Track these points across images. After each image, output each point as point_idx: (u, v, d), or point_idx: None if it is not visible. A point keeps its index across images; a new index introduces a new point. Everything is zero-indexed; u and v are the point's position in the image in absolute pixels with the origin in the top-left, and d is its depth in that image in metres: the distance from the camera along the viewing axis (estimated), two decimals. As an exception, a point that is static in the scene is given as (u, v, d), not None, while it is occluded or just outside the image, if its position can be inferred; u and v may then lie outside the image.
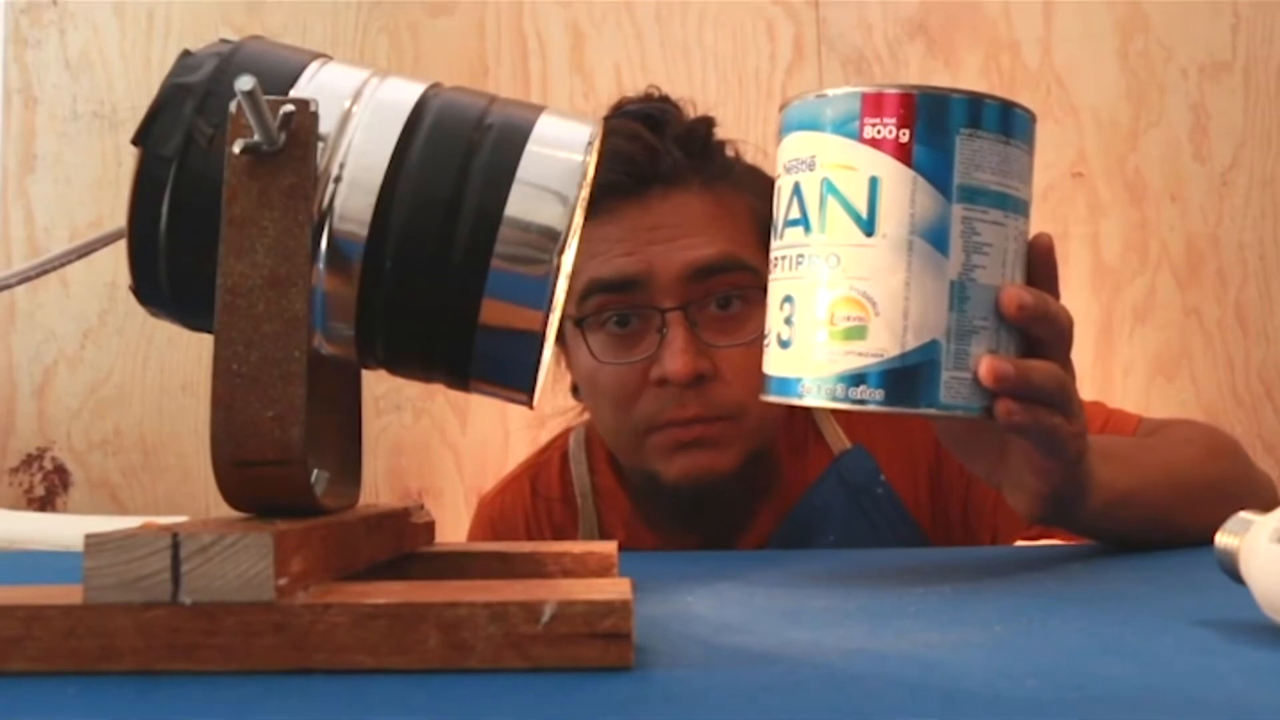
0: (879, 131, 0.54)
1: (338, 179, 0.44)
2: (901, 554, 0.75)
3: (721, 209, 0.85)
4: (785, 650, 0.41)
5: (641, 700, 0.34)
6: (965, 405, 0.54)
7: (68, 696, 0.34)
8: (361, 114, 0.46)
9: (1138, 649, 0.41)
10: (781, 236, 0.57)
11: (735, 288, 0.83)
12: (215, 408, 0.42)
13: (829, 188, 0.54)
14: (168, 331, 1.55)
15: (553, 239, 0.44)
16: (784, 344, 0.56)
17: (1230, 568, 0.43)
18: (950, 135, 0.53)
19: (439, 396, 1.59)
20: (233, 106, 0.43)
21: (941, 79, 1.54)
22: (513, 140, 0.46)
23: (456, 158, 0.45)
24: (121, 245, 0.46)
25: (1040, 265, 0.57)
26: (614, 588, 0.39)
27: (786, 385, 0.55)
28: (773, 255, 0.58)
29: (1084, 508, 0.63)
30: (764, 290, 0.84)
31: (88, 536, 0.37)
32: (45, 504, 1.60)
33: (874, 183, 0.53)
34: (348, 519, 0.46)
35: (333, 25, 1.64)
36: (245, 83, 0.42)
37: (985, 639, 0.42)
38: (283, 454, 0.42)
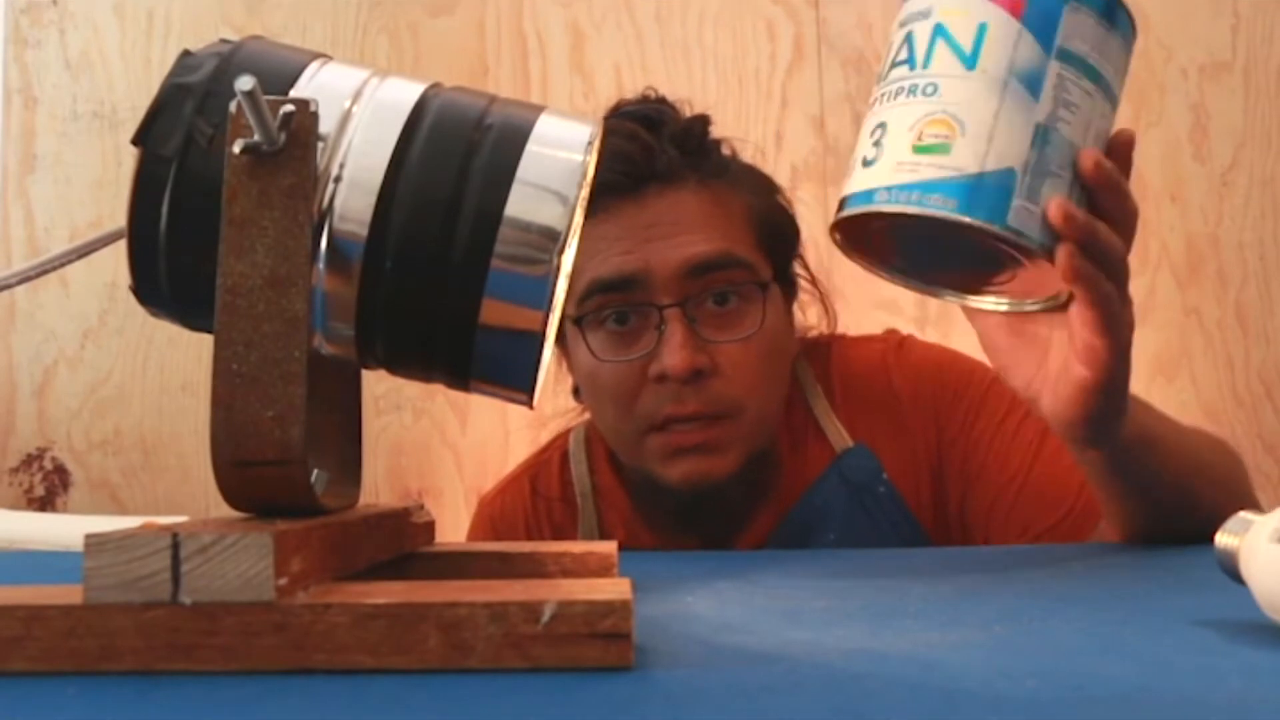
0: None
1: (338, 179, 0.44)
2: (901, 554, 0.75)
3: (718, 206, 0.86)
4: (785, 650, 0.41)
5: (641, 700, 0.34)
6: (1029, 235, 0.56)
7: (68, 696, 0.34)
8: (361, 114, 0.46)
9: (1138, 649, 0.41)
10: (885, 78, 0.59)
11: (732, 284, 0.84)
12: (215, 408, 0.42)
13: (939, 30, 0.57)
14: (168, 331, 1.54)
15: (553, 239, 0.44)
16: (868, 163, 0.58)
17: (1230, 568, 0.43)
18: (1060, 3, 0.57)
19: (439, 396, 1.59)
20: (233, 106, 0.43)
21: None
22: (513, 140, 0.46)
23: (456, 158, 0.45)
24: (121, 245, 0.46)
25: (1117, 157, 0.59)
26: (614, 588, 0.39)
27: (863, 197, 0.57)
28: (874, 96, 0.60)
29: (1120, 427, 0.63)
30: (760, 287, 0.86)
31: (88, 536, 0.37)
32: (45, 504, 1.60)
33: (982, 27, 0.57)
34: (348, 519, 0.46)
35: (333, 25, 1.64)
36: (245, 83, 0.42)
37: (985, 639, 0.42)
38: (283, 454, 0.42)
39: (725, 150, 0.91)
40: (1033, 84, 0.56)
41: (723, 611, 0.49)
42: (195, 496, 1.58)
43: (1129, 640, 0.42)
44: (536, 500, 0.98)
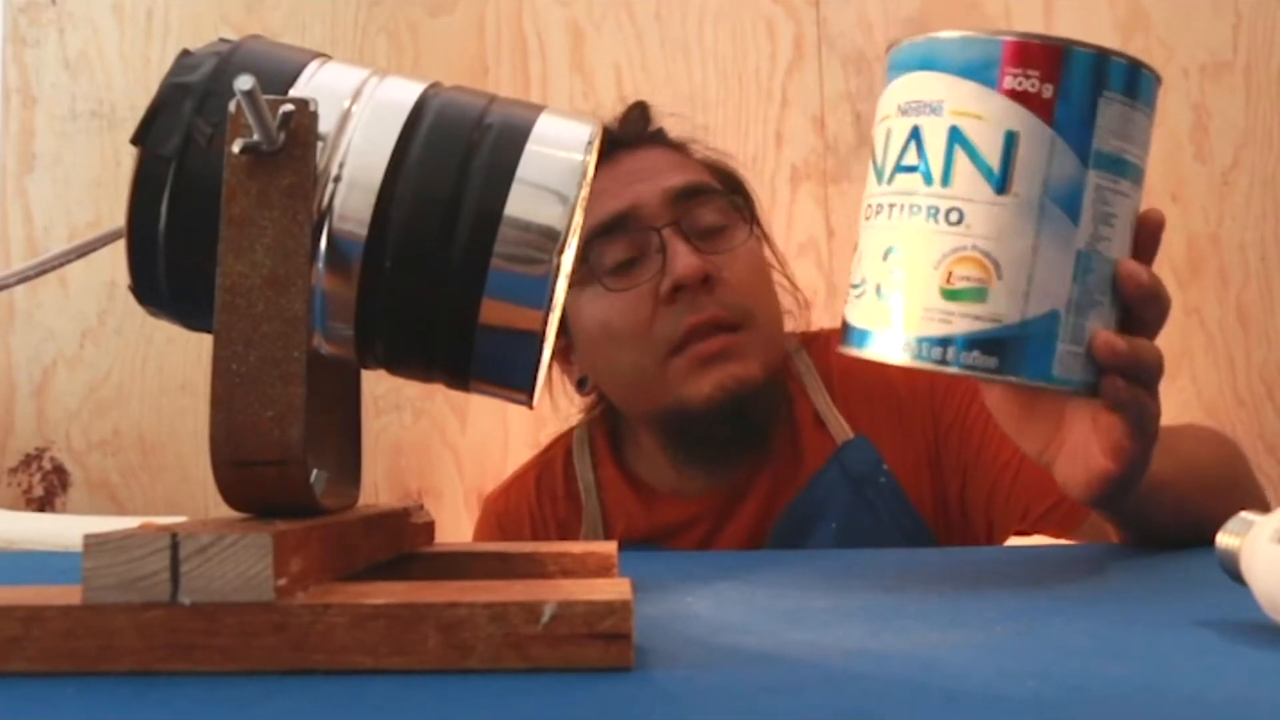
0: (1020, 83, 0.50)
1: (337, 178, 0.44)
2: (901, 554, 0.75)
3: (682, 159, 0.95)
4: (785, 650, 0.40)
5: (641, 700, 0.34)
6: (1072, 380, 0.52)
7: (66, 697, 0.34)
8: (361, 113, 0.46)
9: (1138, 649, 0.41)
10: (890, 182, 0.53)
11: (715, 210, 0.90)
12: (214, 408, 0.42)
13: (957, 136, 0.51)
14: (167, 331, 1.54)
15: (552, 238, 0.44)
16: (882, 293, 0.52)
17: (1231, 568, 0.43)
18: (1094, 96, 0.51)
19: (439, 396, 1.59)
20: (232, 106, 0.43)
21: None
22: (512, 140, 0.46)
23: (456, 157, 0.45)
24: (120, 245, 0.46)
25: (1146, 241, 0.56)
26: (614, 588, 0.39)
27: (884, 340, 0.52)
28: (874, 200, 0.54)
29: (1133, 493, 0.63)
30: (740, 209, 0.91)
31: (87, 537, 0.37)
32: (44, 504, 1.60)
33: (1010, 137, 0.50)
34: (347, 519, 0.46)
35: (332, 25, 1.64)
36: (244, 82, 0.41)
37: (985, 639, 0.42)
38: (282, 454, 0.42)
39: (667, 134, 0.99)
40: (1071, 204, 0.50)
41: (723, 611, 0.49)
42: (194, 497, 1.58)
43: (1130, 640, 0.42)
44: (541, 497, 0.99)
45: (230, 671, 0.36)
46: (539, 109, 0.48)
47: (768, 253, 0.97)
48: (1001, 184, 0.50)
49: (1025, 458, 0.86)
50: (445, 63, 1.61)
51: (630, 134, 0.95)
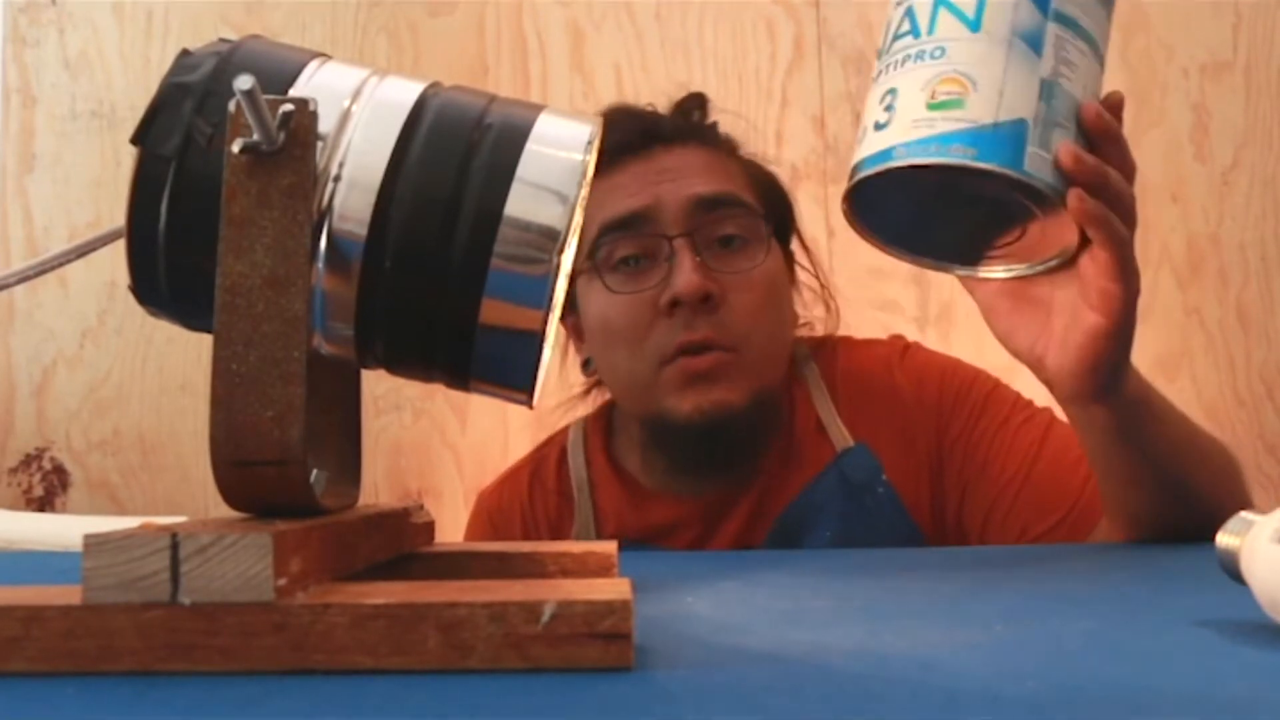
0: None
1: (337, 178, 0.44)
2: (901, 554, 0.75)
3: (719, 163, 0.93)
4: (785, 650, 0.40)
5: (641, 700, 0.34)
6: (1042, 177, 0.58)
7: (66, 697, 0.34)
8: (361, 113, 0.46)
9: (1138, 649, 0.41)
10: (889, 50, 0.62)
11: (735, 220, 0.89)
12: (214, 408, 0.42)
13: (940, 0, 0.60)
14: (167, 331, 1.54)
15: (553, 238, 0.44)
16: (880, 126, 0.60)
17: (1231, 568, 0.43)
18: None
19: (439, 396, 1.59)
20: (232, 106, 0.43)
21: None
22: (512, 139, 0.46)
23: (456, 157, 0.45)
24: (120, 245, 0.46)
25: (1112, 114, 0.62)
26: (614, 588, 0.39)
27: (880, 156, 0.59)
28: (877, 69, 0.63)
29: (1125, 382, 0.65)
30: (763, 225, 0.90)
31: (87, 537, 0.37)
32: (44, 504, 1.60)
33: None
34: (347, 519, 0.46)
35: (332, 25, 1.64)
36: (244, 82, 0.41)
37: (985, 639, 0.42)
38: (282, 454, 0.42)
39: (719, 131, 0.97)
40: (1034, 43, 0.59)
41: (723, 611, 0.49)
42: (194, 496, 1.58)
43: (1129, 640, 0.42)
44: (533, 494, 0.99)
45: (230, 671, 0.36)
46: (539, 109, 0.48)
47: (800, 254, 0.97)
48: (976, 25, 0.59)
49: (1029, 477, 0.87)
50: (445, 63, 1.61)
51: (670, 129, 0.93)
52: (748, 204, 0.90)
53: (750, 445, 0.90)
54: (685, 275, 0.85)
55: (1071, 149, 0.59)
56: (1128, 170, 0.62)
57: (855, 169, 0.61)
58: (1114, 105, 0.63)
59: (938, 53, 0.60)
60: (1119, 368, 0.65)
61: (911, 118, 0.59)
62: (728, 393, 0.86)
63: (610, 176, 0.89)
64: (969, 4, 0.60)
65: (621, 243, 0.88)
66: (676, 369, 0.86)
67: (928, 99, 0.59)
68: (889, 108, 0.60)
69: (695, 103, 0.97)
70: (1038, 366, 0.67)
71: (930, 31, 0.60)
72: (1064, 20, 0.60)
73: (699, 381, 0.86)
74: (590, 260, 0.89)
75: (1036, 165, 0.58)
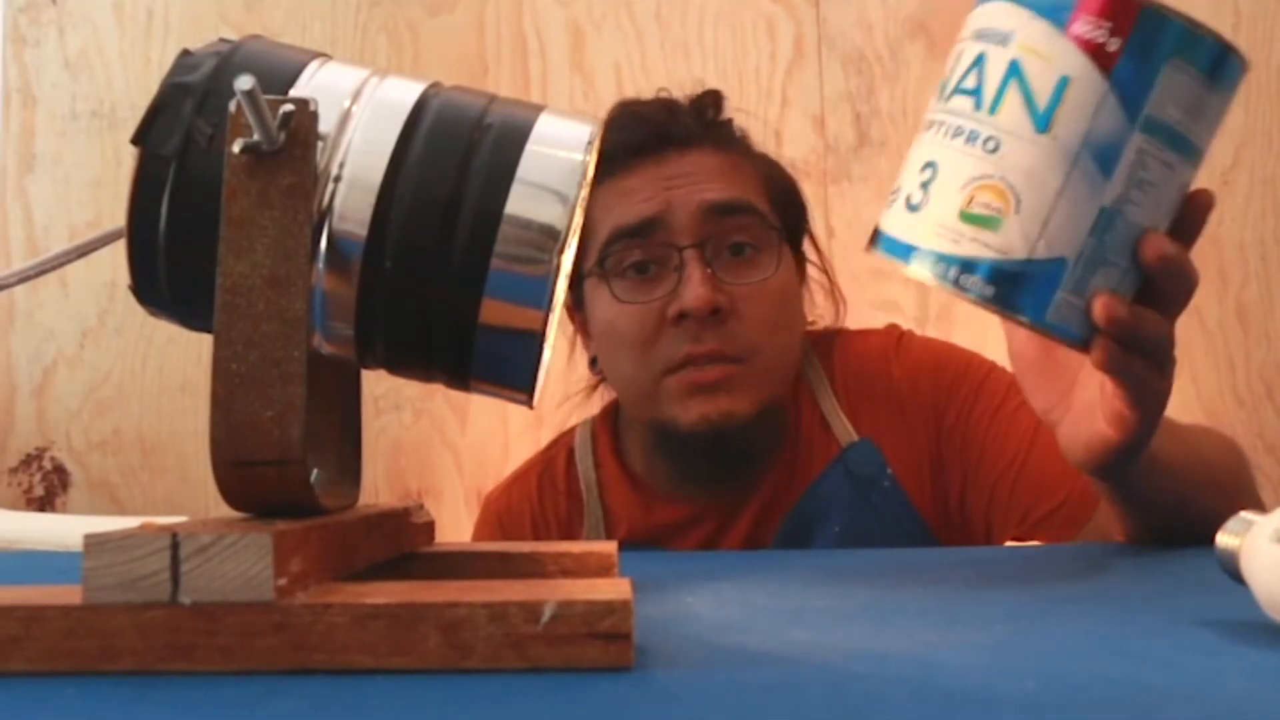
0: (1088, 31, 0.51)
1: (337, 178, 0.44)
2: (902, 554, 0.75)
3: (733, 167, 0.91)
4: (785, 650, 0.40)
5: (641, 700, 0.34)
6: (1066, 329, 0.53)
7: (67, 697, 0.34)
8: (361, 113, 0.46)
9: (1138, 649, 0.41)
10: (947, 101, 0.54)
11: (747, 229, 0.88)
12: (214, 408, 0.42)
13: (1015, 70, 0.52)
14: (167, 331, 1.54)
15: (553, 238, 0.44)
16: (912, 207, 0.53)
17: (1231, 568, 0.43)
18: (1160, 61, 0.51)
19: (439, 396, 1.59)
20: (232, 106, 0.43)
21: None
22: (512, 139, 0.46)
23: (456, 157, 0.45)
24: (121, 245, 0.46)
25: (1190, 221, 0.55)
26: (614, 588, 0.39)
27: (899, 246, 0.54)
28: (931, 115, 0.55)
29: (1135, 466, 0.62)
30: (774, 235, 0.89)
31: (87, 536, 0.37)
32: (44, 504, 1.60)
33: (1063, 82, 0.51)
34: (347, 519, 0.46)
35: (332, 25, 1.64)
36: (245, 82, 0.41)
37: (985, 639, 0.42)
38: (282, 454, 0.42)
39: (734, 128, 0.95)
40: (1107, 160, 0.51)
41: (723, 611, 0.49)
42: (195, 496, 1.58)
43: (1129, 640, 0.42)
44: (543, 496, 0.99)
45: (230, 671, 0.36)
46: (539, 109, 0.48)
47: (810, 251, 0.97)
48: (1044, 124, 0.51)
49: (1027, 460, 0.87)
50: (445, 63, 1.61)
51: (684, 131, 0.90)
52: (760, 211, 0.89)
53: (757, 452, 0.90)
54: (694, 289, 0.84)
55: (1107, 303, 0.52)
56: (1186, 294, 0.56)
57: (878, 232, 0.56)
58: (1200, 209, 0.55)
59: (990, 145, 0.51)
60: (1127, 468, 0.62)
61: (940, 220, 0.52)
62: (734, 403, 0.85)
63: (622, 179, 0.88)
64: (1044, 89, 0.51)
65: (631, 249, 0.87)
66: (681, 379, 0.86)
67: (963, 204, 0.51)
68: (925, 185, 0.53)
69: (711, 100, 0.95)
70: (1050, 427, 0.64)
71: (993, 109, 0.52)
72: (1155, 129, 0.51)
73: (705, 392, 0.85)
74: (599, 264, 0.88)
75: (1062, 314, 0.52)
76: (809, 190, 1.00)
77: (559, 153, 0.46)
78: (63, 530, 1.29)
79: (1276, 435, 1.55)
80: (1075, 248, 0.51)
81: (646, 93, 0.97)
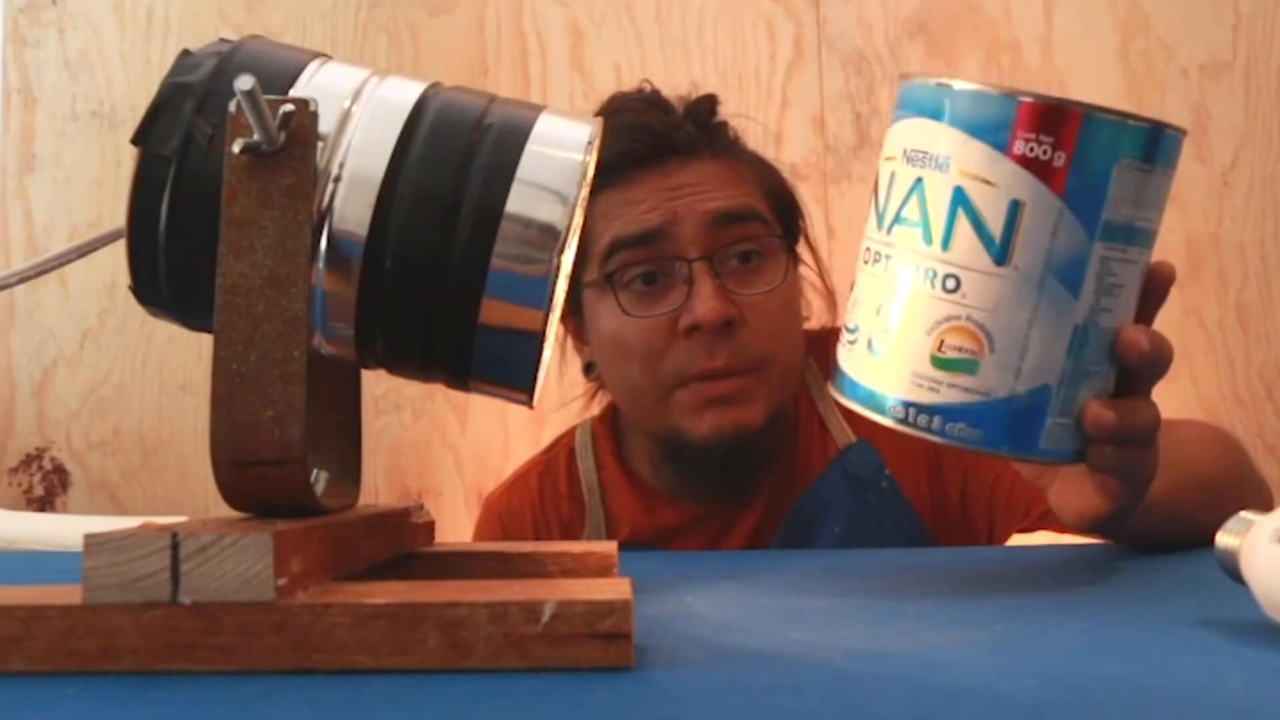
0: (1031, 149, 0.48)
1: (337, 178, 0.44)
2: (902, 554, 0.75)
3: (734, 174, 0.90)
4: (785, 650, 0.40)
5: (641, 700, 0.34)
6: (1061, 451, 0.52)
7: (67, 696, 0.34)
8: (361, 113, 0.46)
9: (1138, 649, 0.41)
10: (888, 231, 0.51)
11: (754, 238, 0.87)
12: (215, 407, 0.42)
13: (960, 199, 0.49)
14: (167, 331, 1.54)
15: (553, 238, 0.44)
16: (875, 351, 0.51)
17: (1231, 568, 0.43)
18: (1109, 165, 0.49)
19: (439, 396, 1.59)
20: (232, 106, 0.43)
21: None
22: (512, 139, 0.46)
23: (456, 157, 0.45)
24: (121, 245, 0.46)
25: (1152, 296, 0.55)
26: (614, 588, 0.39)
27: (872, 398, 0.52)
28: (873, 245, 0.52)
29: (1129, 520, 0.62)
30: (779, 238, 0.89)
31: (87, 536, 0.37)
32: (44, 504, 1.60)
33: (1015, 206, 0.48)
34: (347, 519, 0.46)
35: (332, 25, 1.64)
36: (245, 82, 0.41)
37: (985, 639, 0.42)
38: (282, 454, 0.42)
39: (729, 132, 0.95)
40: (1073, 279, 0.49)
41: (723, 611, 0.49)
42: (195, 496, 1.58)
43: (1129, 640, 0.42)
44: (544, 497, 0.98)
45: (230, 671, 0.36)
46: (539, 109, 0.48)
47: (806, 254, 0.97)
48: (1002, 255, 0.49)
49: None
50: (445, 63, 1.61)
51: (685, 140, 0.89)
52: (764, 217, 0.89)
53: (764, 458, 0.90)
54: (706, 302, 0.83)
55: (1097, 415, 0.51)
56: (1162, 370, 0.54)
57: (845, 383, 0.53)
58: (1162, 282, 0.54)
59: (950, 284, 0.49)
60: (1123, 524, 0.61)
61: (912, 368, 0.50)
62: (746, 414, 0.85)
63: (623, 189, 0.87)
64: (995, 219, 0.48)
65: (636, 260, 0.86)
66: (694, 393, 0.85)
67: (933, 349, 0.49)
68: (886, 328, 0.51)
69: (707, 105, 0.94)
70: (1041, 490, 0.64)
71: (945, 244, 0.49)
72: (1114, 234, 0.49)
73: (717, 404, 0.85)
74: (602, 269, 0.87)
75: (1055, 439, 0.51)
76: (809, 191, 1.00)
77: (559, 153, 0.46)
78: (63, 530, 1.29)
79: (1276, 435, 1.55)
80: (1056, 372, 0.50)
81: (647, 93, 0.96)
